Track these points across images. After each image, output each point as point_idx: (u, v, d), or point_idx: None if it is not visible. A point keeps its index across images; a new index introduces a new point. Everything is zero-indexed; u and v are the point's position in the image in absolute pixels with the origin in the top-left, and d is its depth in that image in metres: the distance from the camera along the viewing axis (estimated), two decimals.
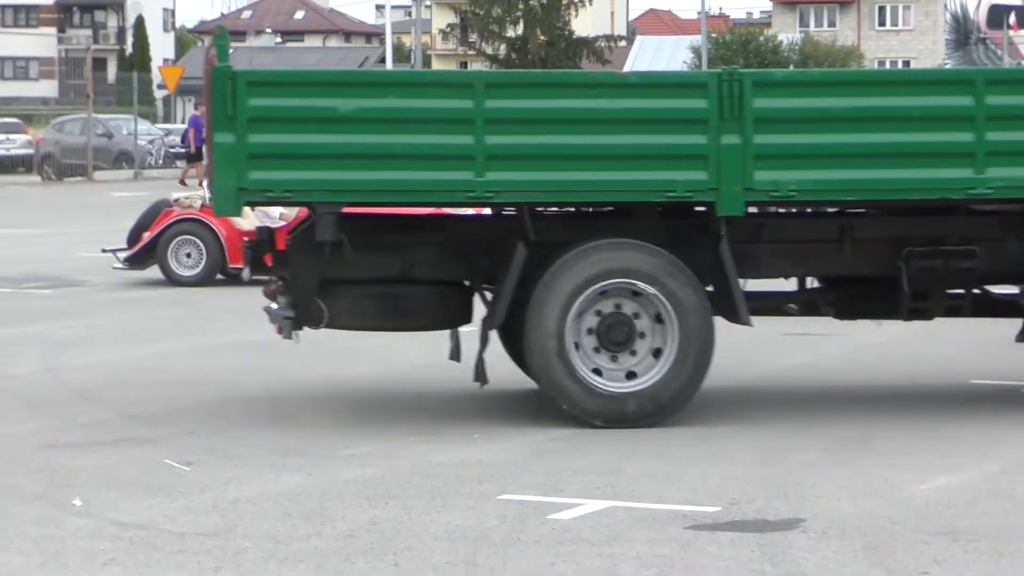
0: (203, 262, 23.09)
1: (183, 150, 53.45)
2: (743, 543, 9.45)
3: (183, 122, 76.13)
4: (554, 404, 13.07)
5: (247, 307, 21.23)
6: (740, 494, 10.64)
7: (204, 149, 50.11)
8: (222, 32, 13.62)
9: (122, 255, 23.65)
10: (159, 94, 79.07)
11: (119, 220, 38.27)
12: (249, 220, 23.03)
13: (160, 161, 62.15)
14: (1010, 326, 14.23)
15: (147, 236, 23.37)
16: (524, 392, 14.42)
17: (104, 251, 24.39)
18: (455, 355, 14.13)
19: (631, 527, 9.77)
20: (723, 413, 13.82)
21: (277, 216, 23.12)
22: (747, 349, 17.36)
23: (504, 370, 15.17)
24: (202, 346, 17.46)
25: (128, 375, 15.52)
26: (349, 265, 13.22)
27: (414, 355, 16.79)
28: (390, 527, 9.60)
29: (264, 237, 14.83)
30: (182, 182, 51.08)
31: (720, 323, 13.21)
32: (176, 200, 24.08)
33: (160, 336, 18.45)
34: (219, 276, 23.55)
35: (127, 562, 8.79)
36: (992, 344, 16.15)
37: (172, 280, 23.12)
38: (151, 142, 63.28)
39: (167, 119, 76.03)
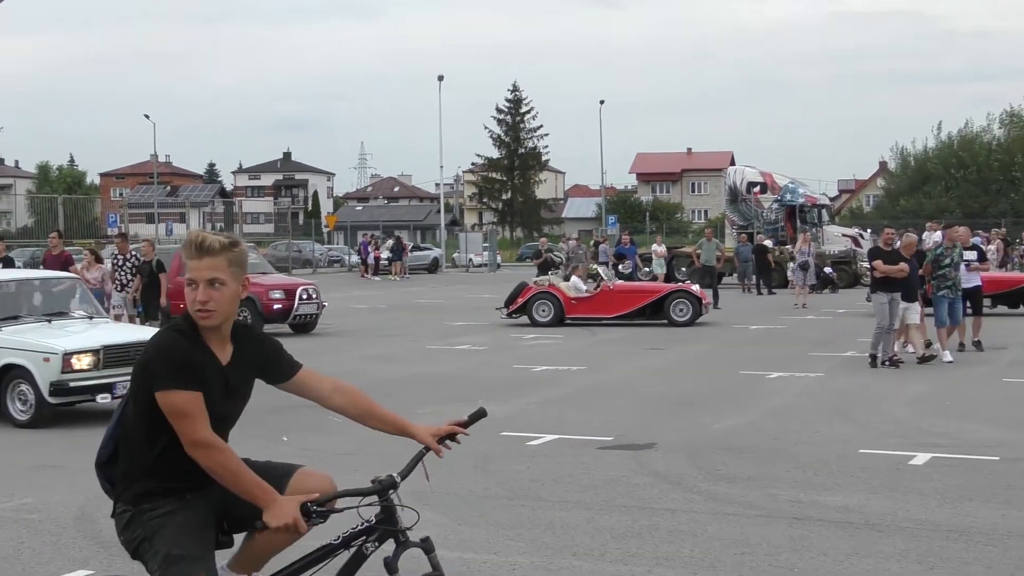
0: (552, 313, 23.36)
1: (358, 258, 53.74)
2: (625, 455, 9.48)
3: (340, 243, 76.41)
4: None
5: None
6: (624, 430, 10.60)
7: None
8: None
9: (503, 311, 23.89)
10: (325, 231, 79.30)
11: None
12: (572, 291, 23.61)
13: (324, 264, 62.16)
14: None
15: (520, 300, 23.68)
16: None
17: (497, 308, 24.45)
18: None
19: (567, 448, 9.78)
20: (615, 393, 13.81)
21: (584, 289, 23.66)
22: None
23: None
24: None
25: None
26: None
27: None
28: None
29: None
30: (363, 276, 50.57)
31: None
32: (534, 282, 24.74)
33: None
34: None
35: None
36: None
37: (535, 323, 23.21)
38: (321, 255, 63.46)
39: (329, 242, 76.19)
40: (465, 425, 4.04)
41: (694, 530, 6.96)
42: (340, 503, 3.87)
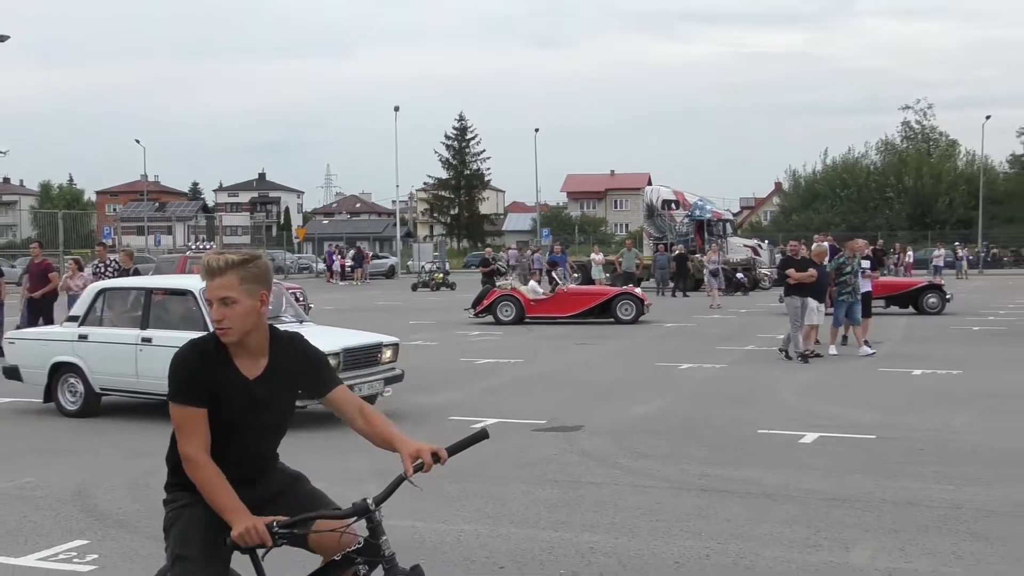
0: (514, 313, 23.23)
1: (325, 266, 53.17)
2: (557, 436, 9.45)
3: (309, 252, 75.60)
4: None
5: None
6: (555, 415, 10.56)
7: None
8: None
9: (471, 311, 23.89)
10: (295, 241, 78.55)
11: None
12: (532, 293, 23.64)
13: (295, 271, 61.62)
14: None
15: (486, 302, 23.62)
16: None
17: (465, 309, 24.38)
18: None
19: (506, 430, 9.71)
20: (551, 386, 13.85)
21: (541, 292, 23.76)
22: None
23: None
24: None
25: None
26: None
27: None
28: None
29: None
30: (329, 281, 49.64)
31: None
32: (499, 286, 24.65)
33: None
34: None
35: None
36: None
37: (498, 321, 23.15)
38: (292, 263, 62.97)
39: (299, 251, 75.43)
40: (452, 451, 3.43)
41: (616, 501, 6.99)
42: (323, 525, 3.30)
